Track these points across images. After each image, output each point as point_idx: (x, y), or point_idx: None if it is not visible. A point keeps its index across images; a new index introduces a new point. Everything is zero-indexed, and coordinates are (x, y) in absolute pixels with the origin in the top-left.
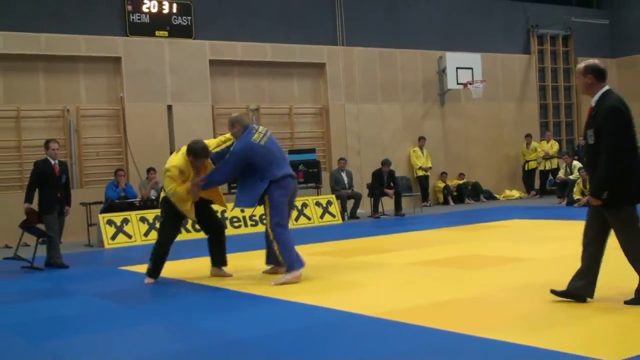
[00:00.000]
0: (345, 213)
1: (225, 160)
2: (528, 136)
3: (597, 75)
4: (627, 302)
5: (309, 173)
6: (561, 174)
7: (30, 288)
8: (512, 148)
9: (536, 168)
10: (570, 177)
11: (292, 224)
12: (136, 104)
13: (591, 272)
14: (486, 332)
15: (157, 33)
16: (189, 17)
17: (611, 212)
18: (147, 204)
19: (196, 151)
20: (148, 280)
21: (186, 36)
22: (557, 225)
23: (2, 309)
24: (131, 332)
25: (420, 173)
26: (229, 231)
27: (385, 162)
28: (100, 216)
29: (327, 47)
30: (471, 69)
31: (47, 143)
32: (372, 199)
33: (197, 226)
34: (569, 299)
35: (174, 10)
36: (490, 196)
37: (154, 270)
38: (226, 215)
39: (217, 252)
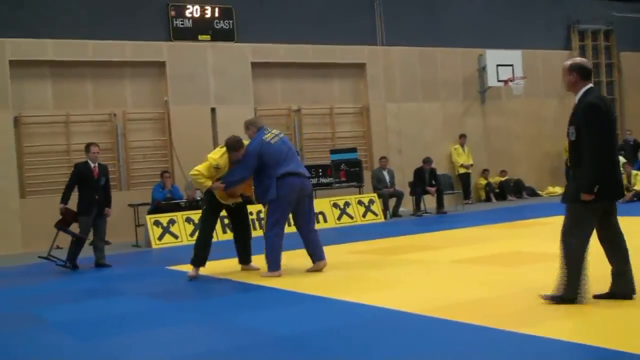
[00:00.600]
0: (388, 211)
1: (241, 161)
2: None
3: (582, 73)
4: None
5: (351, 172)
6: None
7: (81, 288)
8: (554, 144)
9: None
10: None
11: (335, 223)
12: (180, 107)
13: (625, 269)
14: (532, 329)
15: (199, 37)
16: (231, 21)
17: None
18: (192, 205)
19: (227, 144)
20: (192, 272)
21: (228, 39)
22: None
23: (55, 308)
24: (177, 330)
25: (462, 170)
26: None
27: (427, 160)
28: (148, 217)
29: (367, 47)
30: (511, 66)
31: (88, 146)
32: (414, 197)
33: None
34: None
35: (216, 15)
36: (532, 193)
37: (195, 258)
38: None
39: (242, 250)
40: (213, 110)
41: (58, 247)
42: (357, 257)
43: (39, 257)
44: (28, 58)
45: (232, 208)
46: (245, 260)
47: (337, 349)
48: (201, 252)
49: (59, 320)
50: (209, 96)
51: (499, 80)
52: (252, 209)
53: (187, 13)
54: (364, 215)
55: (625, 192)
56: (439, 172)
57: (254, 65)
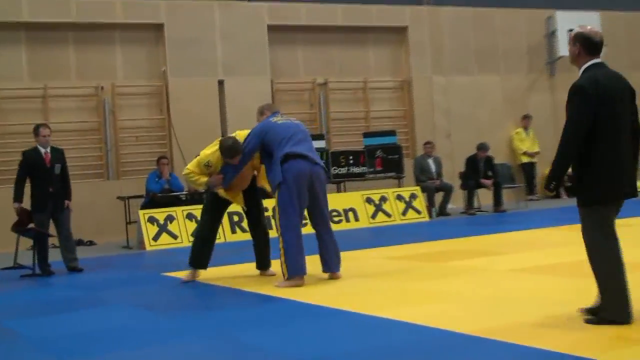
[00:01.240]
0: (433, 209)
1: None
2: None
3: (586, 45)
4: (587, 321)
5: (389, 160)
6: None
7: (59, 297)
8: None
9: None
10: None
11: (368, 222)
12: (181, 79)
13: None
14: (607, 355)
15: None
16: None
17: (580, 211)
18: (195, 198)
19: (221, 149)
20: (187, 275)
21: None
22: None
23: (30, 321)
24: (173, 350)
25: (525, 159)
26: None
27: (482, 147)
28: (141, 212)
29: (410, 8)
30: None
31: (37, 129)
32: (466, 191)
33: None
34: None
35: None
36: None
37: (193, 258)
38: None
39: (258, 253)
40: (221, 83)
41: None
42: (395, 264)
43: (3, 267)
44: None
45: (248, 206)
46: (263, 265)
47: None
48: (199, 251)
49: (36, 336)
50: (217, 66)
51: None
52: (268, 204)
53: None
54: (403, 213)
55: None
56: (497, 161)
57: (271, 29)
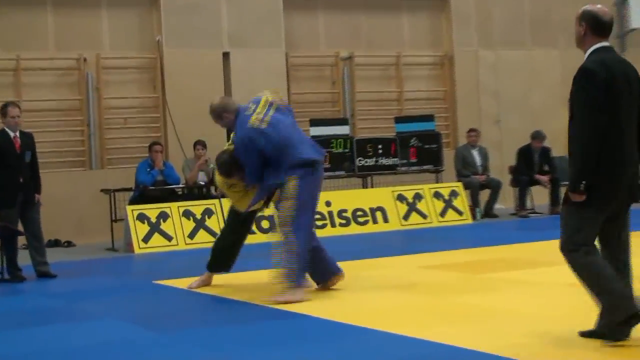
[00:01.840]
0: (478, 209)
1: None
2: None
3: (594, 25)
4: (582, 334)
5: (425, 150)
6: None
7: (32, 308)
8: None
9: None
10: None
11: (399, 224)
12: (179, 50)
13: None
14: None
15: None
16: None
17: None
18: (193, 193)
19: (218, 167)
20: (196, 281)
21: None
22: None
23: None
24: None
25: None
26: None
27: (537, 136)
28: (129, 208)
29: None
30: None
31: (5, 108)
32: (517, 188)
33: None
34: None
35: None
36: None
37: (211, 262)
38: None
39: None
40: (226, 55)
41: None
42: (431, 275)
43: None
44: None
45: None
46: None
47: None
48: (219, 258)
49: (5, 353)
50: (221, 36)
51: None
52: None
53: None
54: (442, 214)
55: None
56: (555, 153)
57: None
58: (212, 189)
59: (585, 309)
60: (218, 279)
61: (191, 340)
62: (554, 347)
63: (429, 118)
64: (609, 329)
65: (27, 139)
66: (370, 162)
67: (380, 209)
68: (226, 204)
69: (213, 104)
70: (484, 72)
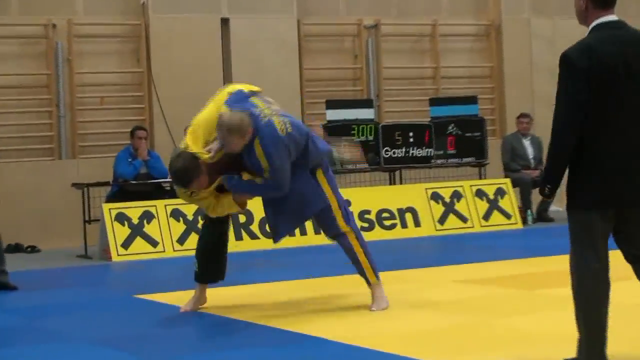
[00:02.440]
0: (529, 211)
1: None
2: None
3: None
4: None
5: (466, 140)
6: None
7: None
8: None
9: None
10: None
11: (434, 229)
12: (169, 16)
13: None
14: None
15: None
16: None
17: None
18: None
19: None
20: (187, 303)
21: None
22: None
23: None
24: None
25: None
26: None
27: None
28: (105, 207)
29: None
30: None
31: None
32: None
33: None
34: None
35: None
36: None
37: (199, 271)
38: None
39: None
40: (225, 22)
41: None
42: (472, 291)
43: None
44: None
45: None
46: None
47: None
48: (203, 265)
49: None
50: None
51: None
52: None
53: None
54: (485, 217)
55: None
56: None
57: None
58: None
59: None
60: (212, 293)
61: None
62: None
63: (470, 100)
64: None
65: None
66: (399, 153)
67: (411, 210)
68: None
69: (235, 120)
70: (538, 44)
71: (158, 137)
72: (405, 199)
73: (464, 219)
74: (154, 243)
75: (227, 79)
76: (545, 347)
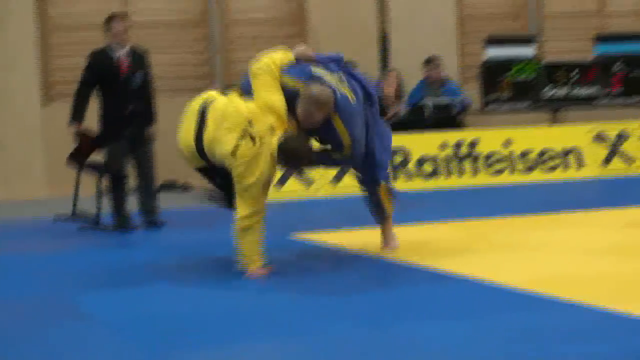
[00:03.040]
0: None
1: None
2: None
3: None
4: None
5: (633, 78)
6: None
7: (140, 263)
8: None
9: None
10: None
11: (598, 171)
12: None
13: None
14: None
15: None
16: None
17: None
18: None
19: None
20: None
21: None
22: None
23: (104, 295)
24: (309, 343)
25: None
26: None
27: None
28: None
29: None
30: None
31: (109, 21)
32: None
33: None
34: None
35: None
36: None
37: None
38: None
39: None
40: None
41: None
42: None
43: (56, 219)
44: None
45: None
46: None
47: None
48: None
49: (113, 317)
50: None
51: None
52: None
53: None
54: None
55: None
56: None
57: None
58: None
59: None
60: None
61: (339, 308)
62: None
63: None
64: None
65: (139, 58)
66: (562, 92)
67: (574, 150)
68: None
69: (324, 95)
70: None
71: None
72: (568, 139)
73: (630, 161)
74: (307, 184)
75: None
76: None
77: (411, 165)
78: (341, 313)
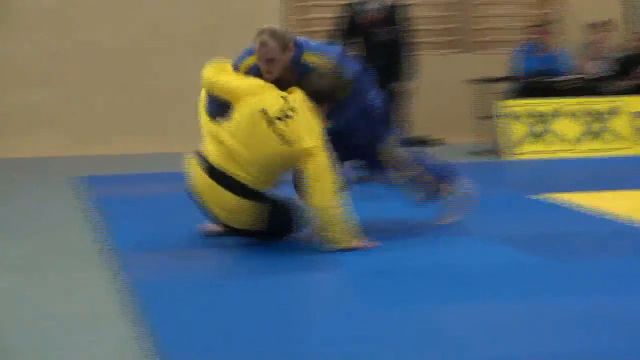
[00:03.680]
0: None
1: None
2: None
3: None
4: None
5: None
6: None
7: (397, 217)
8: None
9: None
10: None
11: None
12: None
13: None
14: None
15: None
16: None
17: None
18: (586, 85)
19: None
20: None
21: None
22: None
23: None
24: (559, 307)
25: None
26: None
27: None
28: (501, 104)
29: None
30: None
31: None
32: None
33: None
34: None
35: None
36: None
37: None
38: None
39: None
40: None
41: None
42: None
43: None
44: None
45: None
46: None
47: None
48: None
49: (359, 266)
50: None
51: None
52: None
53: None
54: None
55: None
56: None
57: None
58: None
59: None
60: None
61: (591, 272)
62: None
63: None
64: None
65: (391, 13)
66: None
67: None
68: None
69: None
70: None
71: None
72: None
73: None
74: (549, 142)
75: None
76: None
77: None
78: (589, 272)
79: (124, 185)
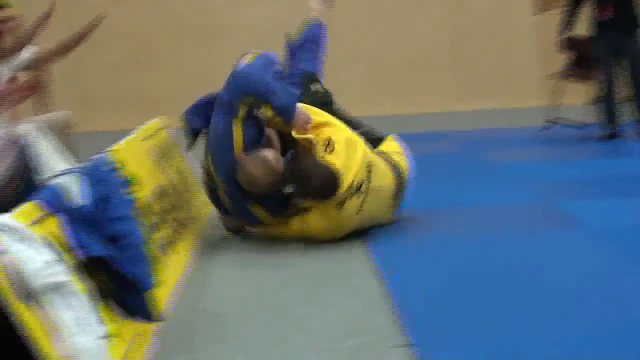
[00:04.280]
0: None
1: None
2: None
3: None
4: None
5: None
6: None
7: (616, 173)
8: None
9: None
10: None
11: None
12: None
13: None
14: None
15: None
16: None
17: None
18: None
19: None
20: None
21: None
22: None
23: (590, 206)
24: None
25: None
26: None
27: None
28: None
29: None
30: None
31: None
32: None
33: None
34: None
35: None
36: None
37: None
38: None
39: None
40: None
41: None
42: None
43: (546, 122)
44: None
45: None
46: None
47: None
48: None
49: (597, 223)
50: None
51: None
52: None
53: None
54: None
55: None
56: None
57: None
58: None
59: None
60: None
61: None
62: None
63: None
64: None
65: None
66: None
67: None
68: None
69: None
70: None
71: None
72: None
73: None
74: None
75: None
76: None
77: None
78: None
79: None
